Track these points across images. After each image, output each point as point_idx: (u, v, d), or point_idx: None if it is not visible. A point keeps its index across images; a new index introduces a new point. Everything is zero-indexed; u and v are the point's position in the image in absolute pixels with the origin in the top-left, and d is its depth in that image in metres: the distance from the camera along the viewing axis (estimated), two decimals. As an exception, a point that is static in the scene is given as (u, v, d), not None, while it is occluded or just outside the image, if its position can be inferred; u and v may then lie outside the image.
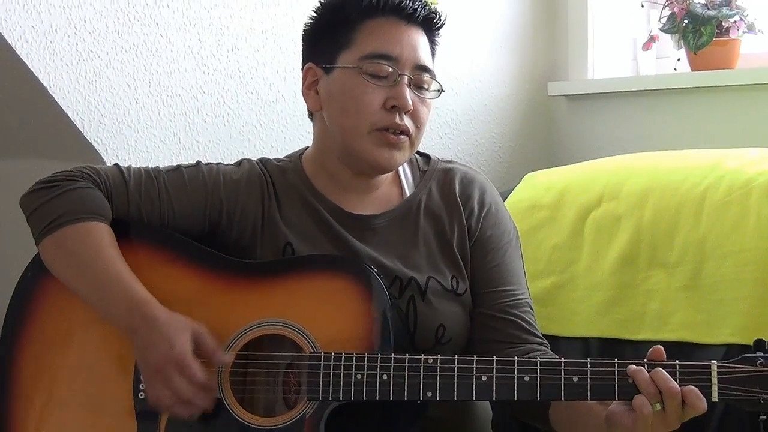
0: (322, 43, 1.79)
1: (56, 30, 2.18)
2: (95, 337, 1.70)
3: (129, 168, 1.79)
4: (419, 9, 1.75)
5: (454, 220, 1.82)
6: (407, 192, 1.84)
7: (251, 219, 1.78)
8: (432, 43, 1.80)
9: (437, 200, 1.83)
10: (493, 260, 1.82)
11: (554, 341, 1.91)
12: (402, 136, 1.73)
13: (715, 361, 1.51)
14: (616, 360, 1.54)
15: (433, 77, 1.77)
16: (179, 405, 1.58)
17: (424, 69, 1.76)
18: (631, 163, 2.42)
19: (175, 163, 1.84)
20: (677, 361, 1.52)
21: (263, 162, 1.85)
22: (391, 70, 1.72)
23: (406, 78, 1.72)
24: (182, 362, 1.57)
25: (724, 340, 2.03)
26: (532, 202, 2.41)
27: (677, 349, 2.08)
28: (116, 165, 1.79)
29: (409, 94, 1.72)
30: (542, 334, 1.83)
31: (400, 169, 1.86)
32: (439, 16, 1.79)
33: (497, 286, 1.81)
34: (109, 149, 2.26)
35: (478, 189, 1.86)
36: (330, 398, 1.59)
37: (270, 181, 1.81)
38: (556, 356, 1.77)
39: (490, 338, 1.79)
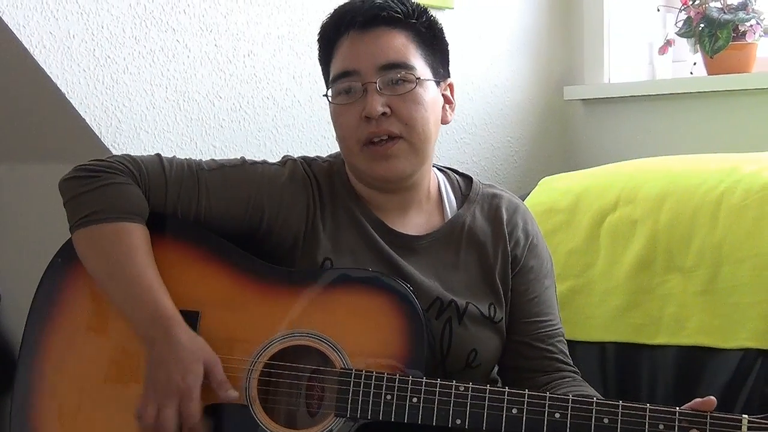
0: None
1: (74, 36, 2.19)
2: (122, 330, 1.68)
3: (171, 161, 1.76)
4: (357, 13, 1.72)
5: (499, 247, 1.81)
6: (449, 213, 1.83)
7: (293, 229, 1.76)
8: (415, 33, 1.75)
9: (482, 226, 1.82)
10: (533, 291, 1.82)
11: (571, 346, 1.91)
12: (390, 143, 1.70)
13: (746, 416, 1.48)
14: (648, 405, 1.51)
15: (408, 69, 1.72)
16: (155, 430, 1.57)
17: (391, 66, 1.71)
18: (648, 167, 2.41)
19: (217, 159, 1.83)
20: (708, 412, 1.49)
21: (308, 162, 1.83)
22: (353, 84, 1.71)
23: (374, 85, 1.70)
24: (186, 396, 1.56)
25: (741, 345, 2.03)
26: (548, 207, 2.41)
27: (694, 354, 2.08)
28: (158, 155, 1.77)
29: (378, 99, 1.69)
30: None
31: (443, 189, 1.85)
32: (384, 6, 1.73)
33: (535, 316, 1.82)
34: (126, 154, 2.27)
35: (522, 218, 1.85)
36: (358, 416, 1.58)
37: (316, 185, 1.79)
38: (586, 385, 1.78)
39: (523, 366, 1.80)
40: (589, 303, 2.27)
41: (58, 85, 2.17)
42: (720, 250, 2.11)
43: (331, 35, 1.76)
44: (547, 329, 1.82)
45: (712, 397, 1.52)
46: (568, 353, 1.84)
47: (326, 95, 1.78)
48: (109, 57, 2.24)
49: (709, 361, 2.06)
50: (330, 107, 1.77)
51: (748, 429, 1.48)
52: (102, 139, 2.24)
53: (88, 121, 2.22)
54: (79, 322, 1.71)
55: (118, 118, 2.26)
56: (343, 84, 1.72)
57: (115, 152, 2.25)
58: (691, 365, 2.10)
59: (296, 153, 2.46)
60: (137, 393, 1.62)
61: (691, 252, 2.15)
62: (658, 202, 2.24)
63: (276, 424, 1.61)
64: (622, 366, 2.18)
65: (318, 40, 1.80)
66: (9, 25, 2.09)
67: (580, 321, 2.25)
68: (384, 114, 1.69)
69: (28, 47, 2.12)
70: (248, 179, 1.77)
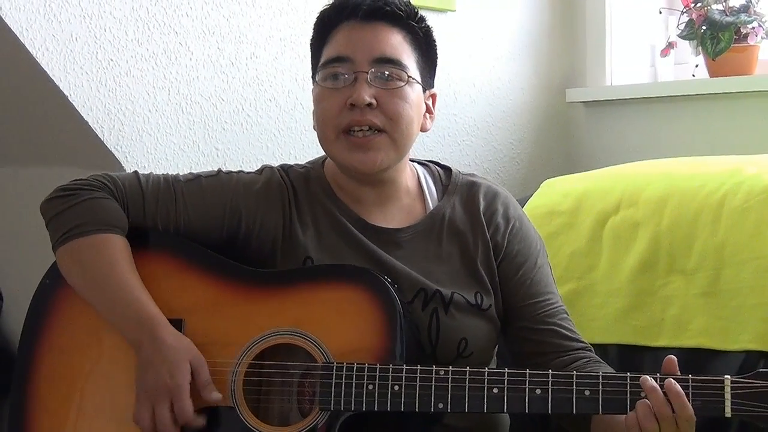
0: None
1: (77, 39, 2.19)
2: (111, 346, 1.70)
3: (148, 176, 1.79)
4: (361, 3, 1.73)
5: (478, 236, 1.81)
6: (430, 205, 1.84)
7: (271, 232, 1.77)
8: (413, 35, 1.77)
9: (461, 216, 1.82)
10: (525, 274, 1.82)
11: (573, 348, 1.91)
12: (372, 135, 1.71)
13: (728, 376, 1.50)
14: (628, 374, 1.53)
15: (400, 67, 1.73)
16: None
17: (385, 60, 1.72)
18: (650, 170, 2.41)
19: (194, 171, 1.85)
20: (690, 376, 1.51)
21: (285, 169, 1.84)
22: (344, 70, 1.72)
23: (365, 75, 1.71)
24: (176, 394, 1.57)
25: (743, 347, 2.02)
26: (551, 209, 2.41)
27: (696, 356, 2.08)
28: (135, 173, 1.80)
29: (367, 89, 1.70)
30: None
31: (423, 181, 1.86)
32: (388, 1, 1.74)
33: (533, 298, 1.81)
34: (129, 157, 2.27)
35: (502, 204, 1.85)
36: (342, 408, 1.59)
37: (292, 190, 1.81)
38: (603, 362, 1.79)
39: (535, 351, 1.79)
40: (592, 305, 2.26)
41: (61, 88, 2.18)
42: (722, 252, 2.11)
43: (331, 20, 1.77)
44: (547, 308, 1.81)
45: (672, 357, 1.54)
46: (575, 329, 1.82)
47: (313, 77, 1.79)
48: (111, 60, 2.25)
49: (711, 363, 2.06)
50: (314, 90, 1.78)
51: (731, 389, 1.48)
52: (104, 142, 2.25)
53: (90, 124, 2.23)
54: (70, 341, 1.72)
55: (121, 121, 2.27)
56: (334, 69, 1.73)
57: (117, 155, 2.25)
58: (693, 367, 2.09)
59: (298, 155, 2.47)
60: (129, 404, 1.63)
61: (693, 254, 2.15)
62: (660, 205, 2.24)
63: (264, 424, 1.62)
64: (624, 368, 2.17)
65: (315, 23, 1.81)
66: (12, 28, 2.09)
67: (582, 323, 2.24)
68: (369, 105, 1.70)
69: (31, 50, 2.13)
70: (224, 187, 1.79)
